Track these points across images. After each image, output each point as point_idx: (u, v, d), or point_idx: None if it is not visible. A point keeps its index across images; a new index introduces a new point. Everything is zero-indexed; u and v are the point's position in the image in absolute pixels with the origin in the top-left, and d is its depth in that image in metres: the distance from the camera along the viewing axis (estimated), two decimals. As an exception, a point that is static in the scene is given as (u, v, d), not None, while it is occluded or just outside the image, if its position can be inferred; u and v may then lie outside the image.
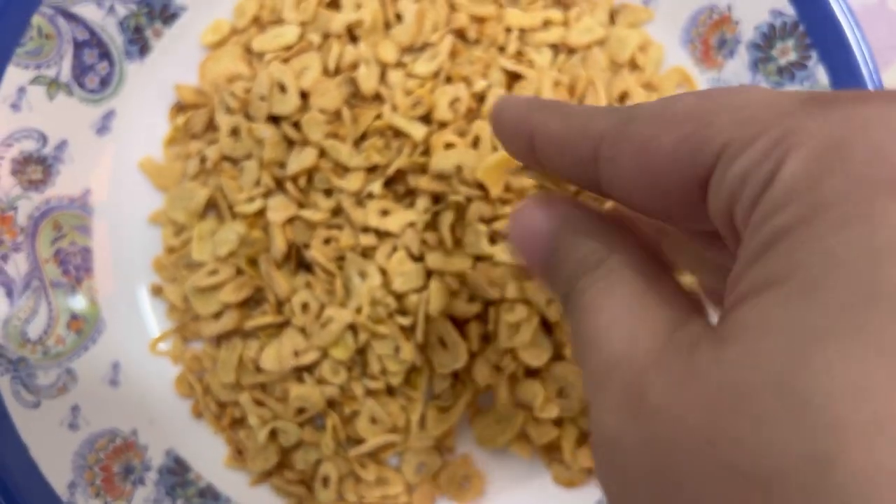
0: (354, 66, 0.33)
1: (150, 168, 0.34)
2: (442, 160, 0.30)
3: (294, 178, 0.32)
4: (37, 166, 0.31)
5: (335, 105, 0.32)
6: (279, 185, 0.32)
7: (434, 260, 0.30)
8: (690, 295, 0.15)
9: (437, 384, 0.31)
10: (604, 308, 0.14)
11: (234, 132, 0.32)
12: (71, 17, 0.31)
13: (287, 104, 0.32)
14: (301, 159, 0.31)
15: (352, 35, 0.33)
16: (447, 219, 0.30)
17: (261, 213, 0.32)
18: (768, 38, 0.30)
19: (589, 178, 0.16)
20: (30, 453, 0.28)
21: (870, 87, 0.28)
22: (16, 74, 0.30)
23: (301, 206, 0.32)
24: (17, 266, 0.30)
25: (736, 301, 0.12)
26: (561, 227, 0.17)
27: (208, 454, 0.32)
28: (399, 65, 0.33)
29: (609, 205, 0.19)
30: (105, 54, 0.32)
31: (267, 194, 0.32)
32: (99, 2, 0.32)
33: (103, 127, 0.33)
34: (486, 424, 0.32)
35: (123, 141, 0.33)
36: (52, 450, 0.29)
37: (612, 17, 0.34)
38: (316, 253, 0.31)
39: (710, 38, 0.32)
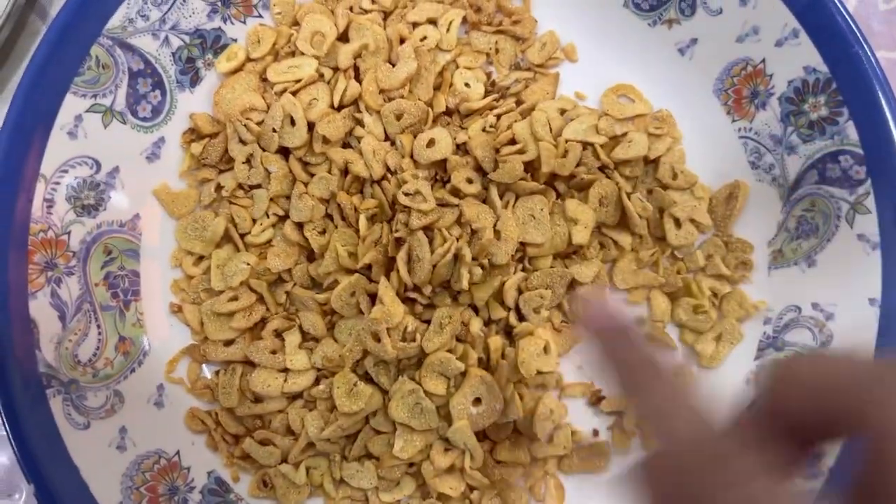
0: (356, 99, 0.33)
1: (164, 195, 0.34)
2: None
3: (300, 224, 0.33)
4: (90, 192, 0.32)
5: (338, 135, 0.33)
6: (286, 216, 0.33)
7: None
8: None
9: None
10: None
11: (248, 160, 0.33)
12: (128, 48, 0.32)
13: (296, 137, 0.33)
14: (300, 209, 0.32)
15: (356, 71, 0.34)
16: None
17: (270, 242, 0.33)
18: (801, 93, 0.32)
19: None
20: (81, 475, 0.29)
21: (896, 143, 0.29)
22: (73, 103, 0.31)
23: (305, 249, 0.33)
24: (70, 289, 0.31)
25: None
26: None
27: (248, 476, 0.33)
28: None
29: None
30: (158, 84, 0.33)
31: (275, 224, 0.33)
32: (155, 33, 0.32)
33: (153, 154, 0.33)
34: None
35: (172, 167, 0.34)
36: (102, 471, 0.30)
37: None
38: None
39: (743, 89, 0.33)
